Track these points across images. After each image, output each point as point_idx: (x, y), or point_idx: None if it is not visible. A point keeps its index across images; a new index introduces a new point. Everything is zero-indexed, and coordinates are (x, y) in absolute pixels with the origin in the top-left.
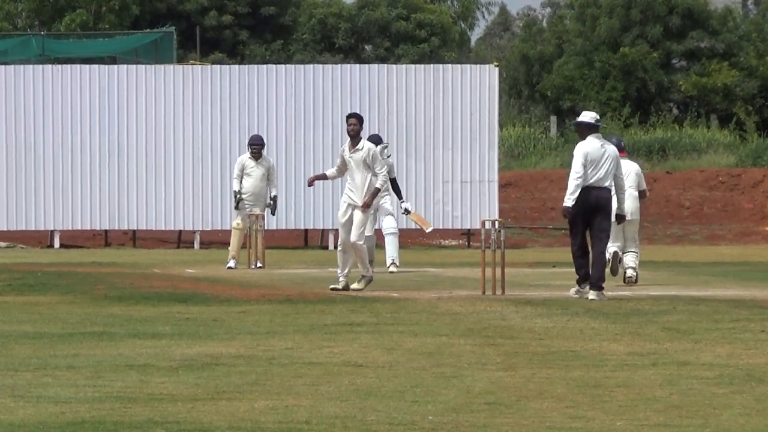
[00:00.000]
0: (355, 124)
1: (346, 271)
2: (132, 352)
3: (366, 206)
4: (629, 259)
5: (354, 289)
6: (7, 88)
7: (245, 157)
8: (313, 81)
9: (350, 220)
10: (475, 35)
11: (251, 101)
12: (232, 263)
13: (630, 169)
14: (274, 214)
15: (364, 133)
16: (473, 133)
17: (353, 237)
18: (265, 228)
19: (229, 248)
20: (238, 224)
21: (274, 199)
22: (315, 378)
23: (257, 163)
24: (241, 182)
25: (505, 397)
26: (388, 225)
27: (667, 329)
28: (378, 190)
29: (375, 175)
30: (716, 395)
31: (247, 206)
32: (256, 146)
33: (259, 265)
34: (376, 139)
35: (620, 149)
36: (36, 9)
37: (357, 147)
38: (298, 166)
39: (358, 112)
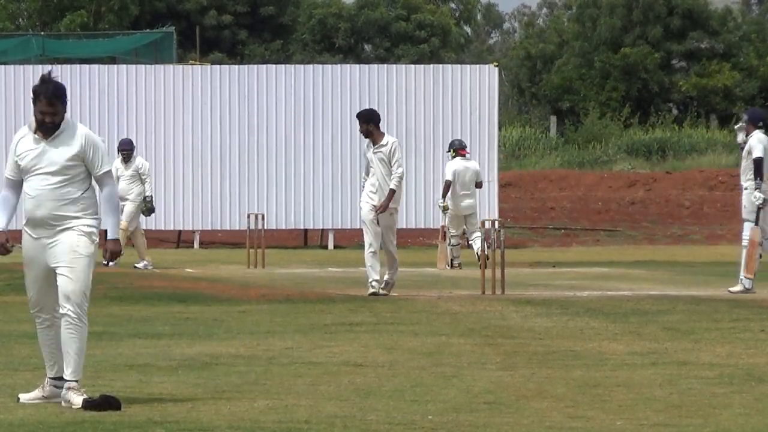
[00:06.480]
0: (360, 125)
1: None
2: (132, 352)
3: (382, 209)
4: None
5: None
6: (7, 88)
7: (117, 161)
8: (312, 81)
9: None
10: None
11: (251, 101)
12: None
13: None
14: (148, 216)
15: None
16: (473, 133)
17: (388, 241)
18: (266, 228)
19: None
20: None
21: (149, 199)
22: (315, 378)
23: (126, 166)
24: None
25: (504, 397)
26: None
27: (667, 329)
28: (393, 192)
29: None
30: (716, 395)
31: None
32: (126, 151)
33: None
34: None
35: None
36: (39, 9)
37: (381, 143)
38: (297, 166)
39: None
